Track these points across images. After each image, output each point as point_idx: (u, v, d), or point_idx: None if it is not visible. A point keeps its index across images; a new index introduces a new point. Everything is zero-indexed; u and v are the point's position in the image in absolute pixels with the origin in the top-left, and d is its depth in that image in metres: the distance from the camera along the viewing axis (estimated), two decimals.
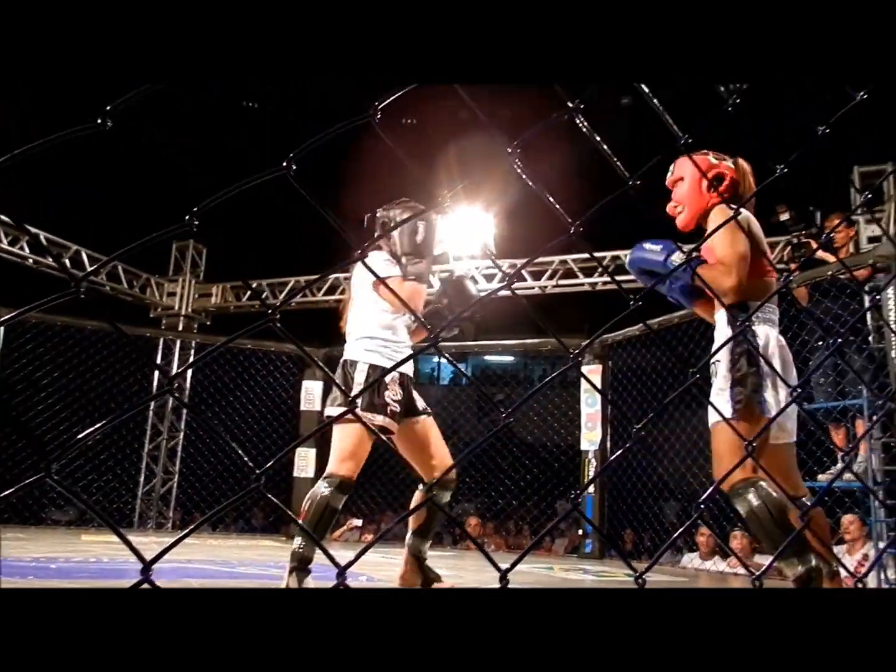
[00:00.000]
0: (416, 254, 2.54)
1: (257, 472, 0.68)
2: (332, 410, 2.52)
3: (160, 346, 7.51)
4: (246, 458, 0.68)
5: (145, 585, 0.60)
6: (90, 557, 3.44)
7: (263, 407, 6.98)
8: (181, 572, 2.83)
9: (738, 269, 1.87)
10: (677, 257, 1.90)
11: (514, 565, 0.78)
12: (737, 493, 1.81)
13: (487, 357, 14.55)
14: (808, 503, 2.04)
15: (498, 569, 0.76)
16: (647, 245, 2.08)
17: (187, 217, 0.73)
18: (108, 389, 6.50)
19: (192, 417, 7.17)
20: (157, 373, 7.30)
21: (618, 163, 0.96)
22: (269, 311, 0.73)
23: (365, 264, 0.80)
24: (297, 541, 2.39)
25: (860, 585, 0.94)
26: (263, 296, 8.20)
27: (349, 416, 2.00)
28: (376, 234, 2.57)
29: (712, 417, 1.94)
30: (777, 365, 1.96)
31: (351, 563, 0.69)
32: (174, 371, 7.37)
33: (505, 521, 7.14)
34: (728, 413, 1.89)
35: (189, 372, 7.24)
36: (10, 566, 2.64)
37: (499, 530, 7.02)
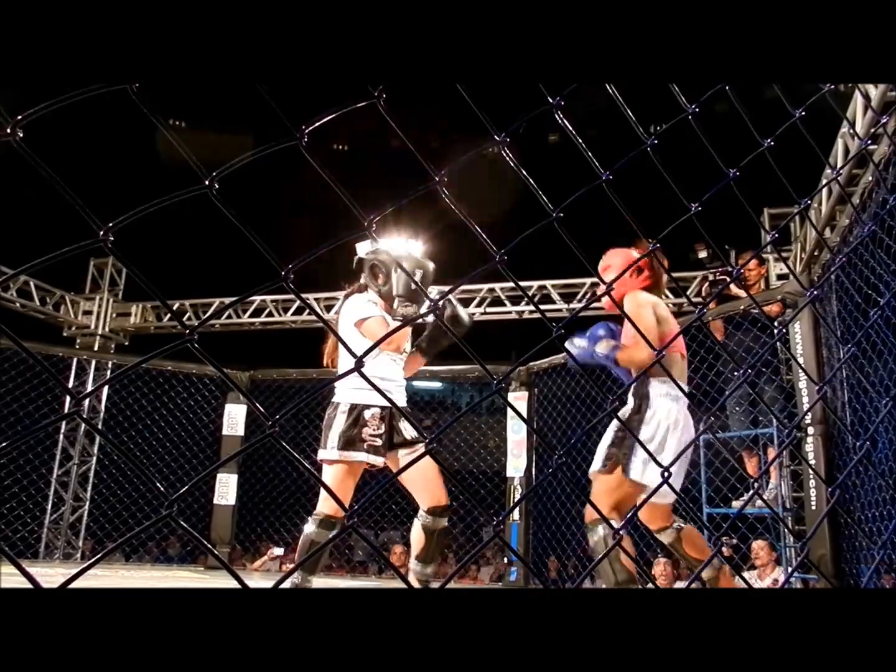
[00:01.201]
0: (410, 298, 2.70)
1: (171, 498, 0.65)
2: (323, 454, 2.62)
3: (73, 367, 7.16)
4: (160, 484, 0.65)
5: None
6: None
7: (183, 431, 6.74)
8: None
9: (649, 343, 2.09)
10: (601, 348, 2.39)
11: (443, 586, 0.77)
12: (589, 528, 2.33)
13: (415, 382, 14.55)
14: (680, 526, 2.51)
15: (406, 582, 0.75)
16: (576, 341, 2.51)
17: (101, 233, 0.71)
18: (15, 412, 6.14)
19: (103, 441, 6.84)
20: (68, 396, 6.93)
21: (542, 196, 0.99)
22: (188, 332, 0.71)
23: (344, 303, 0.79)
24: (294, 578, 2.49)
25: None
26: (186, 317, 7.96)
27: (329, 457, 2.55)
28: (363, 276, 2.93)
29: (594, 465, 2.42)
30: (673, 441, 2.31)
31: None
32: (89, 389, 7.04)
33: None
34: (598, 466, 2.38)
35: (104, 394, 6.93)
36: None
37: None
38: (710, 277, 5.38)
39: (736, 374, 4.75)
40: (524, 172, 0.97)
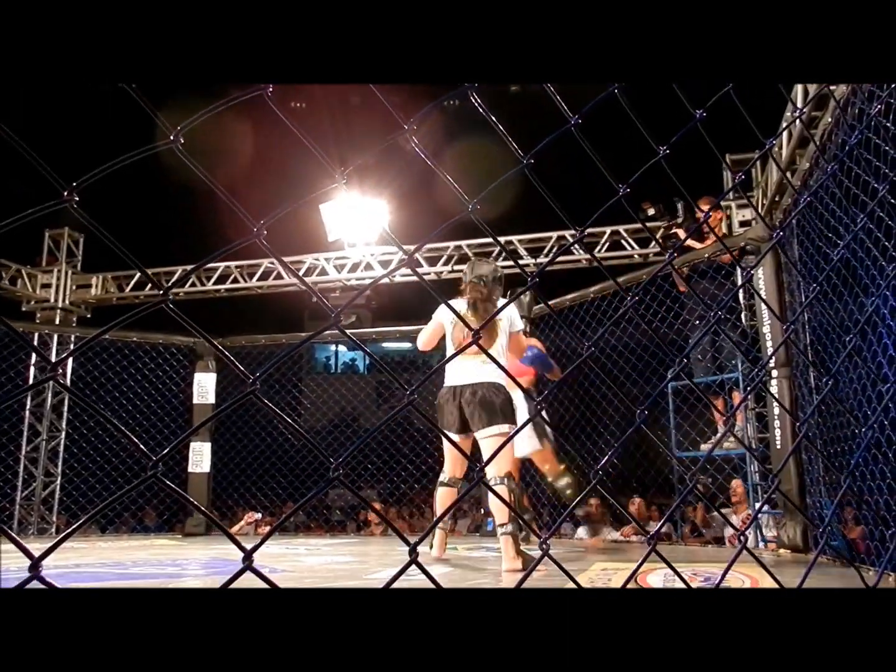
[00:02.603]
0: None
1: (154, 458, 0.65)
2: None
3: (35, 342, 6.99)
4: (141, 446, 0.65)
5: (35, 583, 0.57)
6: None
7: (153, 402, 6.67)
8: (70, 577, 2.67)
9: None
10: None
11: (421, 539, 0.79)
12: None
13: (385, 344, 14.53)
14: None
15: (407, 543, 0.76)
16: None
17: (66, 192, 0.69)
18: None
19: (81, 406, 6.74)
20: (32, 370, 6.80)
21: (512, 142, 0.98)
22: (162, 293, 0.70)
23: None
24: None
25: (742, 539, 1.01)
26: (147, 287, 7.81)
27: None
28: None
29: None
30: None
31: (256, 548, 0.68)
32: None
33: (407, 505, 7.19)
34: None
35: (69, 367, 6.80)
36: None
37: (401, 514, 7.06)
38: (663, 232, 5.43)
39: (698, 322, 4.85)
40: (492, 118, 0.96)
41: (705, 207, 4.94)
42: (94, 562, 3.51)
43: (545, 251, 6.84)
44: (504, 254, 7.00)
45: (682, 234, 5.19)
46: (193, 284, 7.53)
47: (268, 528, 6.32)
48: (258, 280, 7.47)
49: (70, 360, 6.85)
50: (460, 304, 3.18)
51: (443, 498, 3.30)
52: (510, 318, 3.24)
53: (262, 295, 7.68)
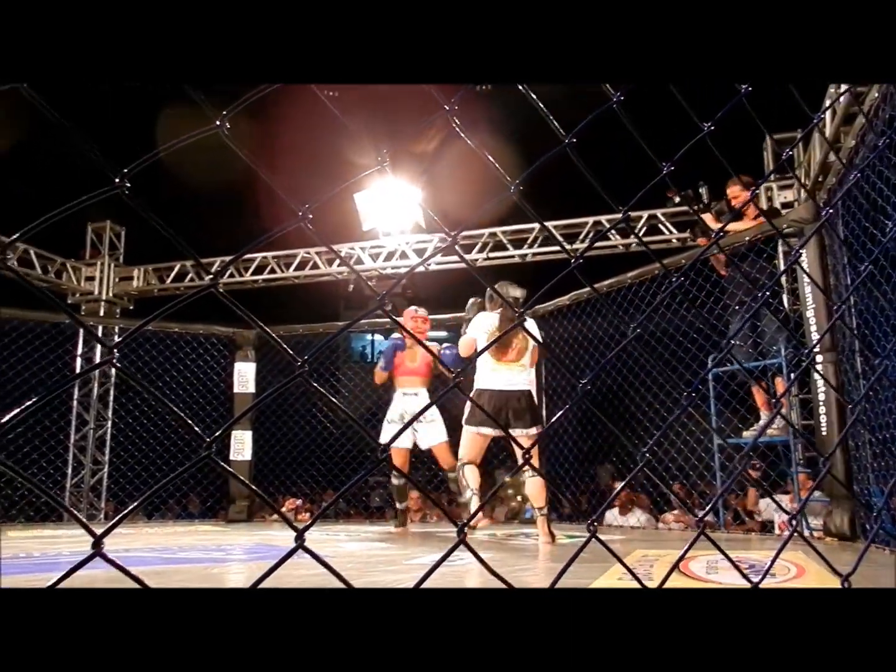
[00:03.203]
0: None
1: (207, 440, 0.66)
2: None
3: (80, 334, 7.17)
4: (195, 428, 0.66)
5: (97, 559, 0.58)
6: (19, 553, 3.29)
7: (195, 391, 6.80)
8: (121, 561, 2.74)
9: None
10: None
11: (470, 518, 0.79)
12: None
13: None
14: None
15: (455, 524, 0.77)
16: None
17: (117, 180, 0.70)
18: (27, 380, 6.19)
19: (127, 396, 6.90)
20: (79, 360, 6.99)
21: (553, 121, 0.97)
22: (211, 277, 0.71)
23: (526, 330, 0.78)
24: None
25: (793, 524, 0.99)
26: (188, 277, 7.95)
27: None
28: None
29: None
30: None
31: (308, 527, 0.69)
32: (98, 358, 7.09)
33: (445, 492, 7.21)
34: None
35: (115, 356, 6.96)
36: None
37: (440, 501, 7.09)
38: (701, 219, 5.30)
39: (738, 307, 4.75)
40: (533, 96, 0.94)
41: (733, 189, 4.81)
42: (142, 546, 3.60)
43: (580, 237, 6.77)
44: (540, 239, 6.95)
45: (708, 219, 5.06)
46: (232, 275, 7.64)
47: (308, 515, 6.42)
48: (295, 270, 7.55)
49: (115, 351, 7.01)
50: (493, 317, 3.80)
51: (475, 472, 3.77)
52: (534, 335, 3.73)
53: (299, 285, 7.76)
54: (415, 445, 4.75)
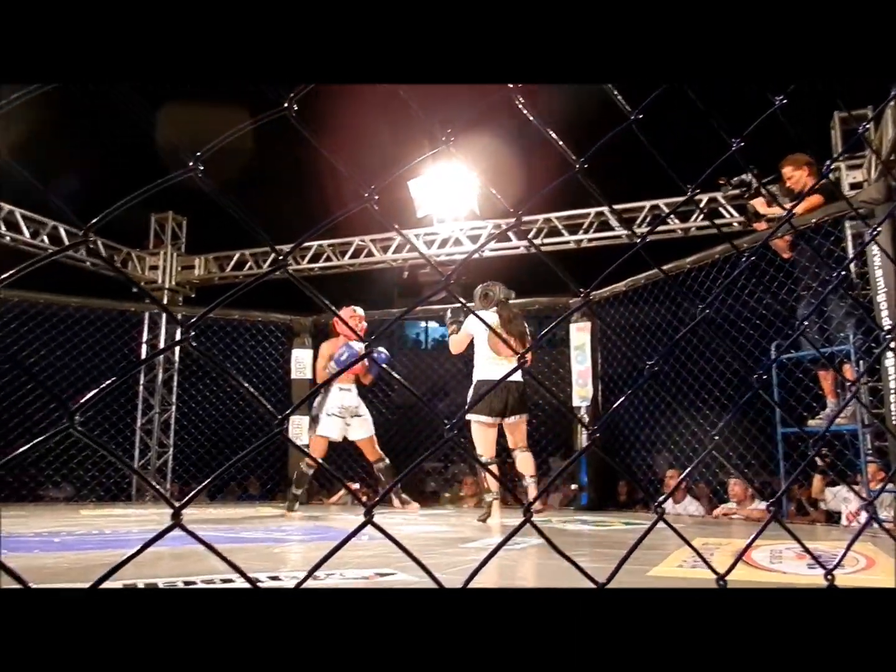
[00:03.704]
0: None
1: (279, 417, 0.67)
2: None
3: (146, 321, 7.43)
4: (267, 405, 0.67)
5: (176, 530, 0.60)
6: (92, 530, 3.45)
7: (254, 377, 6.97)
8: (188, 539, 2.84)
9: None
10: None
11: (536, 499, 0.79)
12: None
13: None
14: None
15: (521, 504, 0.76)
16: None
17: (191, 163, 0.72)
18: (97, 366, 6.44)
19: (210, 366, 7.11)
20: (144, 347, 7.24)
21: (619, 96, 0.95)
22: (281, 258, 0.72)
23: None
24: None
25: (869, 511, 0.96)
26: (247, 266, 8.12)
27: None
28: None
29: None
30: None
31: (376, 503, 0.70)
32: (162, 345, 7.33)
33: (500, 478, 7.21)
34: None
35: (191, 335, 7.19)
36: (15, 541, 2.65)
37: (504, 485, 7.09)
38: (750, 206, 5.10)
39: (804, 292, 4.58)
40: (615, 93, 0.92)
41: (787, 168, 4.60)
42: (207, 527, 3.72)
43: (637, 221, 6.65)
44: (596, 224, 6.85)
45: (757, 205, 4.86)
46: (289, 264, 7.76)
47: (365, 498, 6.51)
48: (350, 258, 7.63)
49: (178, 338, 7.24)
50: (491, 315, 4.11)
51: (499, 470, 4.31)
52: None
53: (353, 273, 7.84)
54: (344, 438, 5.07)
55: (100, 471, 6.58)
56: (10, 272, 0.69)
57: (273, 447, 6.65)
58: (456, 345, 4.33)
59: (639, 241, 0.95)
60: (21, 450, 0.62)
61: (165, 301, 7.98)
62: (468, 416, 4.08)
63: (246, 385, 0.67)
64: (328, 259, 7.71)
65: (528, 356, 3.97)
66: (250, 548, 2.80)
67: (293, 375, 6.63)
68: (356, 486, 6.40)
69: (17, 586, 0.57)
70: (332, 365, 4.79)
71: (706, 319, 0.98)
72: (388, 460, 5.18)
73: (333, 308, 0.75)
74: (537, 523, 0.79)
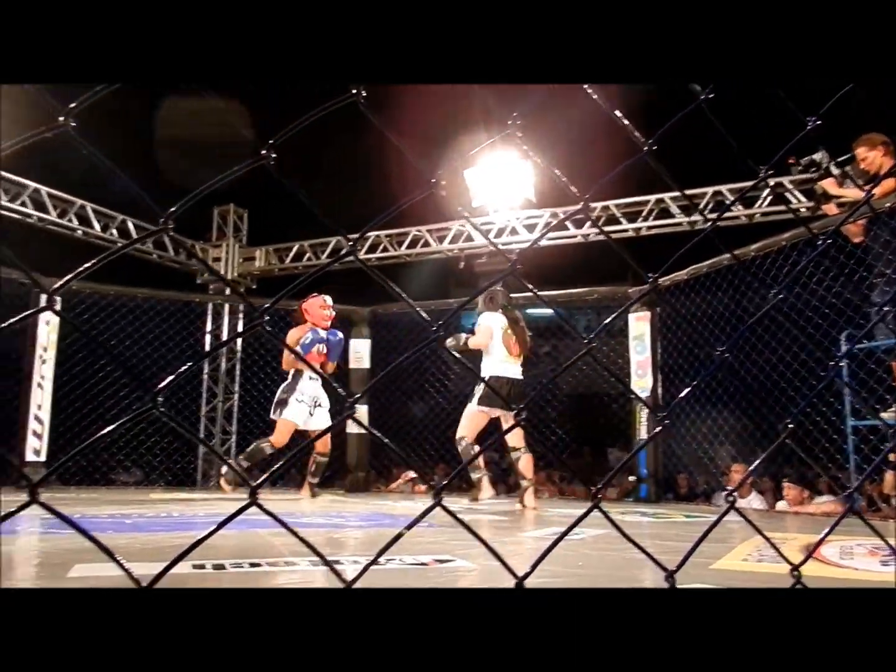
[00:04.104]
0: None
1: (349, 400, 0.68)
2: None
3: (209, 312, 7.65)
4: (339, 388, 0.68)
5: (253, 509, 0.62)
6: (161, 513, 3.58)
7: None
8: (251, 524, 2.92)
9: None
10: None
11: (600, 488, 0.78)
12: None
13: (529, 311, 14.42)
14: None
15: (590, 489, 0.76)
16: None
17: (263, 151, 0.73)
18: (164, 356, 6.66)
19: (252, 370, 7.29)
20: (208, 337, 7.47)
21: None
22: (350, 244, 0.73)
23: None
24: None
25: None
26: (306, 257, 8.25)
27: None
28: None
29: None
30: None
31: (445, 486, 0.70)
32: (225, 335, 7.53)
33: (556, 469, 7.18)
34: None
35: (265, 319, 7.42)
36: (90, 522, 2.77)
37: (551, 478, 7.07)
38: (818, 187, 4.86)
39: (877, 280, 4.37)
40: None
41: (862, 150, 4.38)
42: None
43: (699, 208, 6.48)
44: (656, 211, 6.71)
45: (827, 185, 4.65)
46: (358, 250, 7.84)
47: (423, 487, 6.58)
48: (406, 248, 7.68)
49: (241, 328, 7.47)
50: (499, 317, 4.46)
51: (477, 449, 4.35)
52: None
53: (410, 263, 7.89)
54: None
55: (167, 456, 6.83)
56: (92, 262, 0.72)
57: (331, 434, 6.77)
58: (480, 341, 4.50)
59: (708, 224, 0.93)
60: (106, 430, 0.65)
61: (228, 292, 8.18)
62: (479, 407, 4.31)
63: (319, 370, 0.69)
64: (385, 249, 7.78)
65: (525, 348, 4.38)
66: (312, 532, 2.86)
67: (351, 365, 6.72)
68: (413, 474, 6.46)
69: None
70: (298, 350, 4.80)
71: (777, 306, 0.95)
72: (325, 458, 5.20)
73: (404, 295, 0.76)
74: (598, 513, 0.79)
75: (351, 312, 6.92)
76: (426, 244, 7.61)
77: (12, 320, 0.57)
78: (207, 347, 7.45)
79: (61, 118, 0.64)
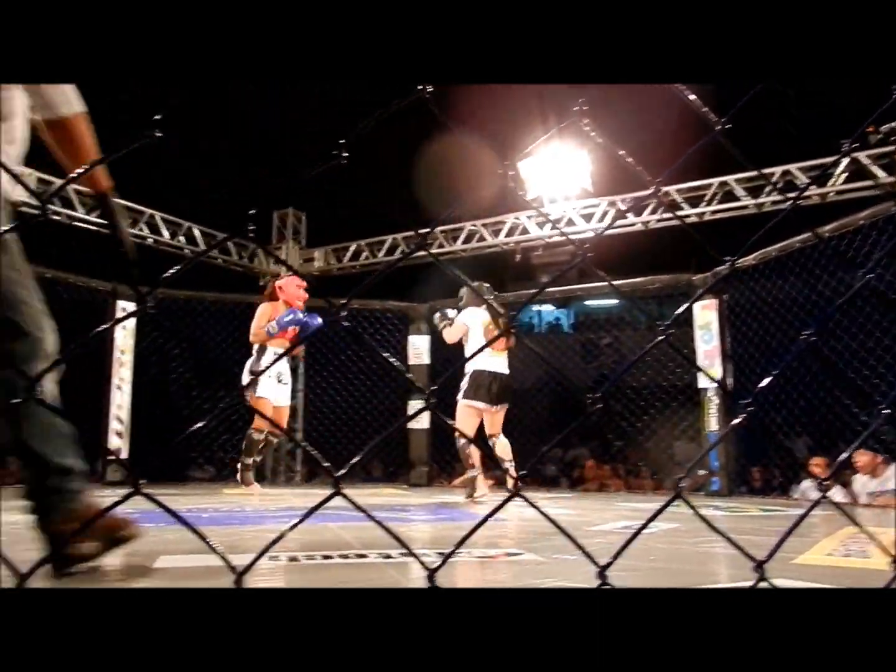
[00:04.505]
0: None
1: (427, 391, 0.69)
2: None
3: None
4: (414, 381, 0.69)
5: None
6: (235, 507, 3.69)
7: (373, 363, 7.20)
8: (321, 517, 2.98)
9: None
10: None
11: (683, 478, 0.76)
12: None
13: (588, 302, 14.24)
14: None
15: (678, 484, 0.74)
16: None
17: (334, 152, 0.74)
18: (232, 356, 6.85)
19: (317, 367, 7.43)
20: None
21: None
22: (423, 234, 0.73)
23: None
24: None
25: None
26: (363, 255, 8.33)
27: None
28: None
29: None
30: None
31: (523, 475, 0.70)
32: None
33: (622, 462, 7.07)
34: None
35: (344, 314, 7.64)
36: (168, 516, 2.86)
37: (616, 472, 6.97)
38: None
39: None
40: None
41: None
42: (337, 505, 3.87)
43: (766, 190, 6.26)
44: (719, 195, 6.51)
45: None
46: (403, 251, 7.90)
47: (489, 482, 6.57)
48: (462, 243, 7.67)
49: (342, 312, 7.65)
50: (482, 312, 4.54)
51: (476, 451, 4.39)
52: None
53: (465, 258, 7.87)
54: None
55: (238, 452, 7.02)
56: (175, 268, 0.74)
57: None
58: (451, 336, 4.65)
59: (788, 204, 0.89)
60: (196, 426, 0.67)
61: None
62: (464, 402, 4.45)
63: (397, 362, 0.69)
64: (440, 245, 7.79)
65: (509, 342, 4.46)
66: (372, 526, 2.89)
67: (410, 361, 6.78)
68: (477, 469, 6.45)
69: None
70: (273, 325, 4.84)
71: (865, 287, 0.91)
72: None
73: (472, 284, 0.75)
74: (673, 508, 0.77)
75: (409, 309, 6.97)
76: (481, 238, 7.59)
77: (110, 323, 0.59)
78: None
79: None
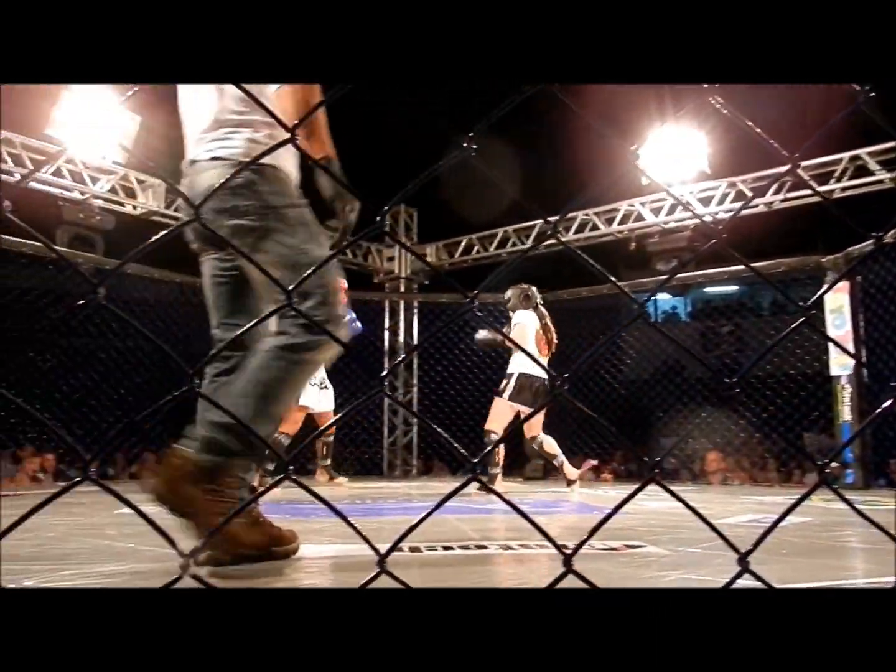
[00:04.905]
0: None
1: (559, 379, 0.69)
2: None
3: (386, 309, 8.05)
4: (551, 371, 0.70)
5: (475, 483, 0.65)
6: (356, 500, 3.84)
7: (475, 356, 7.29)
8: (441, 510, 3.04)
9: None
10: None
11: (828, 462, 0.73)
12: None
13: (706, 289, 13.61)
14: None
15: (824, 461, 0.71)
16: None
17: (464, 144, 0.76)
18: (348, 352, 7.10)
19: (429, 364, 7.57)
20: (386, 333, 7.87)
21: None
22: (552, 224, 0.74)
23: None
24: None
25: None
26: (475, 249, 8.38)
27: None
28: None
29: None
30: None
31: (660, 462, 0.69)
32: (402, 331, 7.89)
33: (748, 454, 6.75)
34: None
35: (415, 328, 7.79)
36: (294, 508, 3.02)
37: (740, 464, 6.66)
38: None
39: None
40: None
41: None
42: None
43: (836, 175, 5.83)
44: (850, 170, 6.07)
45: None
46: (514, 244, 7.88)
47: (608, 476, 6.49)
48: (574, 233, 7.55)
49: (416, 323, 7.88)
50: (533, 315, 4.76)
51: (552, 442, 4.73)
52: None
53: (578, 248, 7.75)
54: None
55: (355, 447, 7.30)
56: (312, 268, 0.78)
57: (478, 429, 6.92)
58: (522, 337, 4.67)
59: None
60: (340, 415, 0.71)
61: (402, 289, 8.51)
62: (507, 402, 4.59)
63: (529, 352, 0.70)
64: (514, 244, 7.75)
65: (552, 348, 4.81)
66: (496, 518, 2.93)
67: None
68: (595, 462, 6.37)
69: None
70: None
71: None
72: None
73: (610, 276, 0.76)
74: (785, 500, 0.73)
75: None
76: (594, 228, 7.45)
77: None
78: (385, 342, 7.86)
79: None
